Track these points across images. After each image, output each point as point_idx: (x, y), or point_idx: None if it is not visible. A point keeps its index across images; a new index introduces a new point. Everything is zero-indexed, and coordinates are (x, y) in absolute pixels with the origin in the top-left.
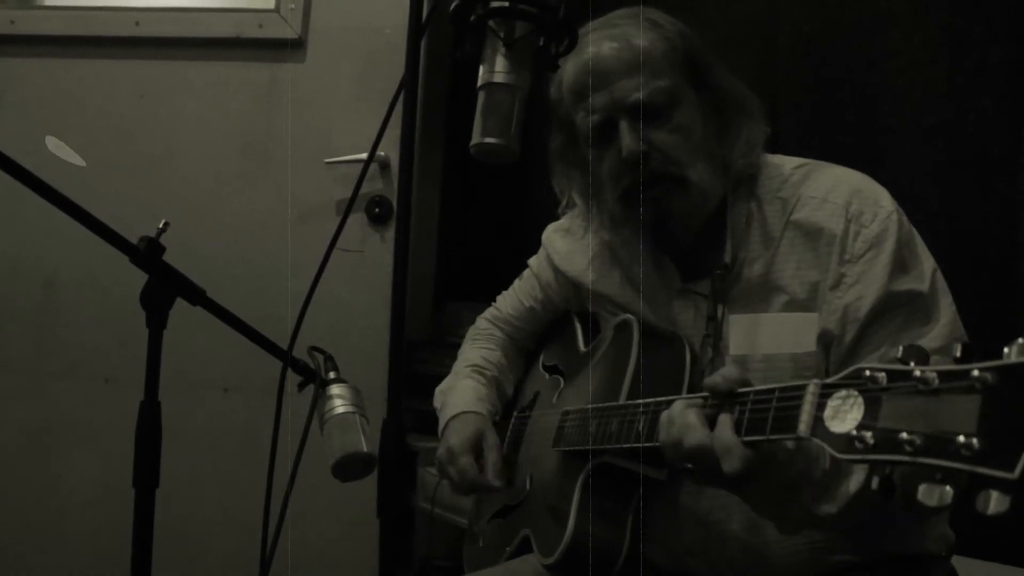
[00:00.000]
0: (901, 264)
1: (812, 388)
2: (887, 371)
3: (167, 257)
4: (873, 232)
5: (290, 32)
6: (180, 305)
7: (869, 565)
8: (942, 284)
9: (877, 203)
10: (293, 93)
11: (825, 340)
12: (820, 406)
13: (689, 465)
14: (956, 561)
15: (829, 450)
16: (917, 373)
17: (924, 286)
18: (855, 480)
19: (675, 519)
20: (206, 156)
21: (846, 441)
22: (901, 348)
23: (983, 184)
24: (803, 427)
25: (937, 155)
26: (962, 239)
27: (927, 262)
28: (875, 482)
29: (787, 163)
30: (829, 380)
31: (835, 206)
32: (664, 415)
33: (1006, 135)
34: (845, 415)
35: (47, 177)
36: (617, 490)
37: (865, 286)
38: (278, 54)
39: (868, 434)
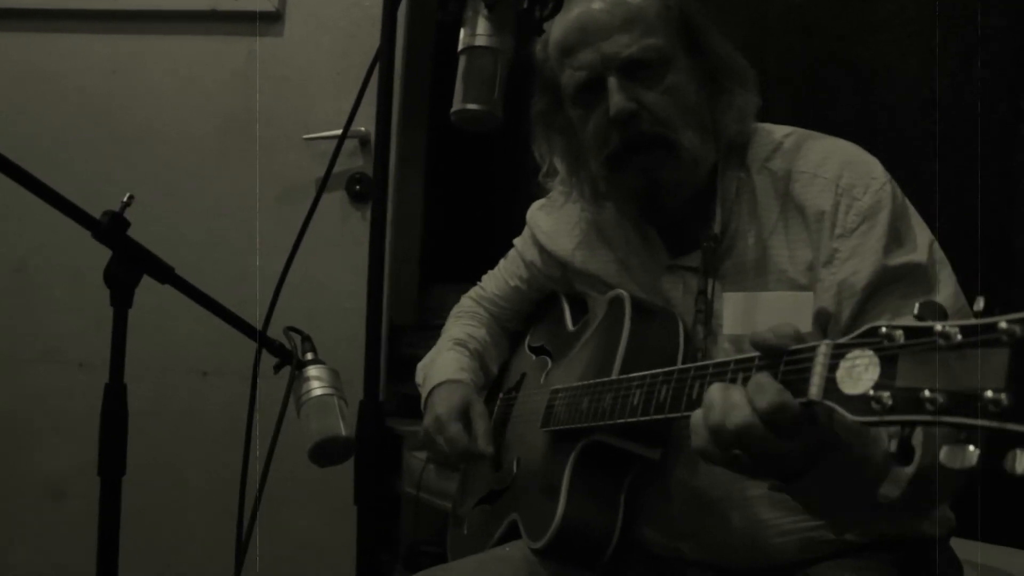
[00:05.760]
0: (896, 236)
1: (823, 349)
2: (904, 328)
3: (141, 237)
4: (865, 204)
5: (268, 5)
6: (158, 288)
7: (868, 546)
8: (941, 255)
9: (869, 175)
10: (271, 67)
11: (821, 319)
12: (832, 367)
13: (737, 452)
14: (955, 543)
15: (843, 413)
16: (938, 328)
17: (922, 257)
18: (915, 457)
19: (669, 500)
20: (181, 132)
21: (862, 403)
22: (917, 305)
23: (979, 158)
24: (814, 390)
25: (933, 128)
26: (959, 214)
27: (923, 233)
28: (892, 445)
29: (776, 131)
30: (841, 340)
31: (825, 181)
32: (705, 400)
33: (1003, 107)
34: (860, 376)
35: (17, 154)
36: (609, 470)
37: (860, 260)
38: (255, 27)
39: (886, 394)
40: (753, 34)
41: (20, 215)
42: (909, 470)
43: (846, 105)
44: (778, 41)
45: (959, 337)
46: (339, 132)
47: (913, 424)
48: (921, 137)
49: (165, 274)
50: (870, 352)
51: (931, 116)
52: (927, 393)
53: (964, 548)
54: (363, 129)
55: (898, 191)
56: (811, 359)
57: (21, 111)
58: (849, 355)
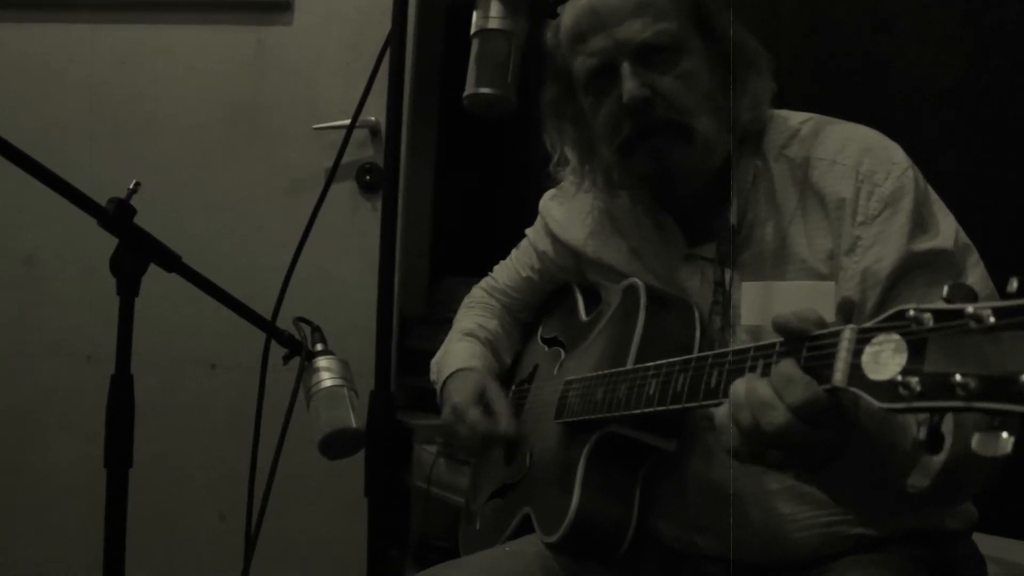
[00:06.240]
0: (920, 222)
1: (848, 334)
2: (933, 311)
3: (148, 228)
4: (887, 191)
5: None
6: (166, 279)
7: (889, 541)
8: (966, 241)
9: (890, 160)
10: (280, 57)
11: (845, 309)
12: (857, 352)
13: (775, 451)
14: (977, 537)
15: (869, 399)
16: (969, 310)
17: (948, 243)
18: (945, 445)
19: (684, 492)
20: (189, 124)
21: (889, 389)
22: (947, 288)
23: (998, 149)
24: (839, 376)
25: (949, 120)
26: (976, 206)
27: (947, 219)
28: (922, 432)
29: (793, 117)
30: (867, 324)
31: (844, 168)
32: (731, 397)
33: (1022, 97)
34: (886, 361)
35: (24, 144)
36: (624, 462)
37: (883, 247)
38: (264, 16)
39: (914, 380)
40: (766, 25)
41: (29, 207)
42: (939, 459)
43: (860, 97)
44: (791, 32)
45: (992, 319)
46: (348, 122)
47: (943, 411)
48: (938, 127)
49: (172, 262)
50: (897, 336)
51: (948, 106)
52: (958, 378)
53: (987, 543)
54: (373, 119)
55: (920, 177)
56: (835, 344)
57: (27, 102)
58: (875, 340)
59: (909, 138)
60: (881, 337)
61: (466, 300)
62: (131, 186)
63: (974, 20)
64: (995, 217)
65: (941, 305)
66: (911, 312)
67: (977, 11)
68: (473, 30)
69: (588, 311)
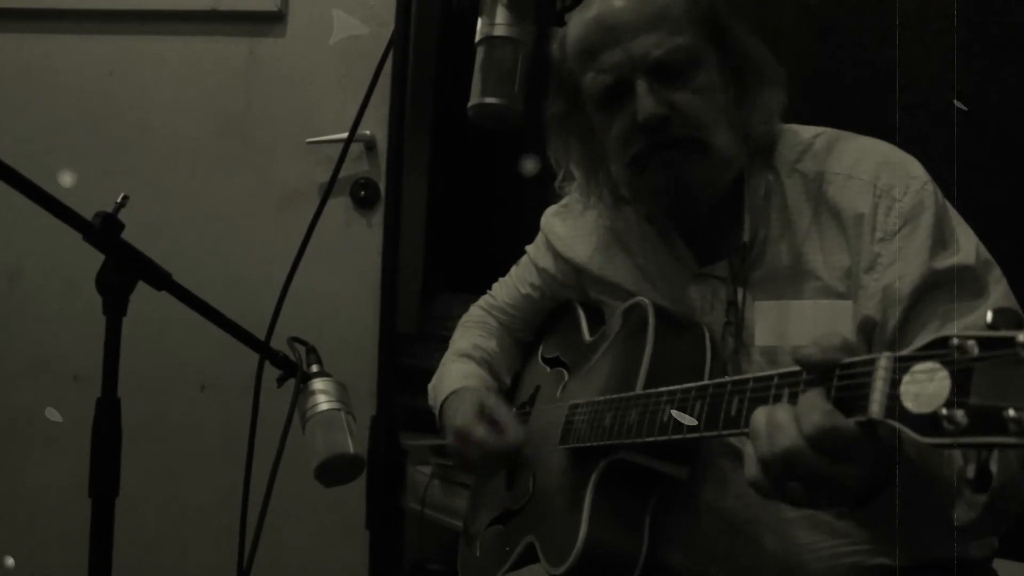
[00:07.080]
0: (941, 239)
1: (884, 362)
2: (979, 339)
3: (137, 243)
4: (907, 206)
5: (270, 4)
6: (154, 297)
7: (911, 570)
8: (988, 257)
9: (908, 174)
10: (272, 69)
11: (866, 328)
12: (894, 382)
13: (792, 484)
14: (997, 564)
15: (910, 433)
16: (1021, 338)
17: (970, 259)
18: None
19: (697, 521)
20: (180, 136)
21: (931, 422)
22: (990, 314)
23: (1003, 162)
24: (876, 407)
25: (955, 130)
26: (981, 220)
27: (967, 234)
28: (970, 470)
29: (804, 131)
30: (905, 352)
31: (862, 182)
32: (752, 428)
33: None
34: (928, 392)
35: (11, 156)
36: (633, 490)
37: (905, 264)
38: (257, 28)
39: (959, 413)
40: (765, 34)
41: (14, 221)
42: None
43: (862, 109)
44: (791, 41)
45: None
46: (343, 136)
47: (993, 447)
48: (944, 139)
49: (161, 280)
50: (938, 365)
51: (953, 117)
52: (1011, 413)
53: (1007, 569)
54: (368, 133)
55: (939, 191)
56: (870, 373)
57: (16, 112)
58: (914, 368)
59: (912, 149)
60: (923, 365)
61: (463, 319)
62: (119, 199)
63: (980, 31)
64: (1006, 232)
65: (987, 332)
66: (954, 340)
67: (983, 22)
68: (478, 38)
69: (592, 330)
